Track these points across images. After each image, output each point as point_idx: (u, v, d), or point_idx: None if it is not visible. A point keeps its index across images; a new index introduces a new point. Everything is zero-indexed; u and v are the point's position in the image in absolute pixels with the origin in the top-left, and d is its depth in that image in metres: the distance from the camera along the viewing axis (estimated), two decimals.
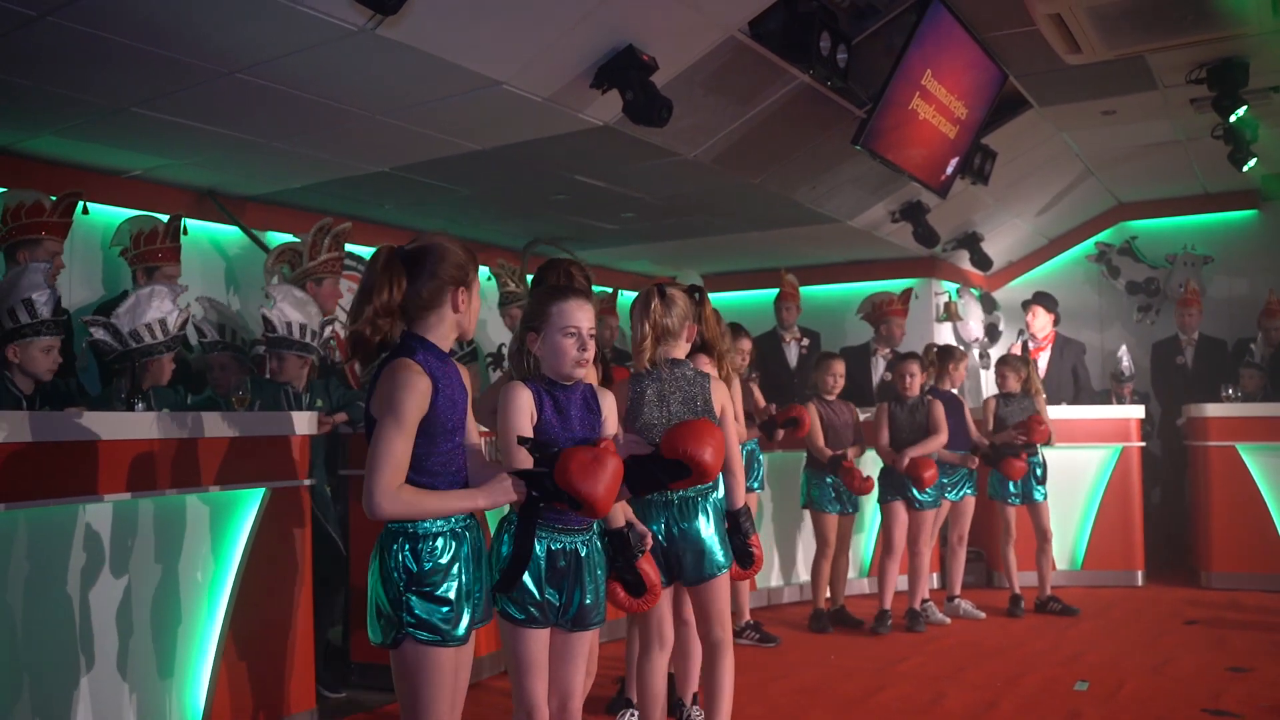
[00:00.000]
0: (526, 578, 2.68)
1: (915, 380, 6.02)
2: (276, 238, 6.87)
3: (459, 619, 2.42)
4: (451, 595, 2.41)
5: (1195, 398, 7.53)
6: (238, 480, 3.80)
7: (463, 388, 2.52)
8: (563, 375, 2.77)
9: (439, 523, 2.43)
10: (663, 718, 3.57)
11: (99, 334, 4.39)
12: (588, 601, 2.78)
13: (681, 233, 8.27)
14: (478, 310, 2.56)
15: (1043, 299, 8.44)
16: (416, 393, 2.35)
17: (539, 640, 2.73)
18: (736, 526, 3.53)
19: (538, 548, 2.71)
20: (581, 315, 2.75)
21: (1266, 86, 6.43)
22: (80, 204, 5.14)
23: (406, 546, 2.40)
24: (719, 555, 3.44)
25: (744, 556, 3.53)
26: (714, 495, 3.49)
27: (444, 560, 2.41)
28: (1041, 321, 8.34)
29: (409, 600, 2.38)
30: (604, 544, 2.97)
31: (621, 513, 3.03)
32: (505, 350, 6.99)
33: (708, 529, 3.43)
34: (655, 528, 3.42)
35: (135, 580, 3.46)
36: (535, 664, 2.73)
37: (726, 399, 3.57)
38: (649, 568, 3.07)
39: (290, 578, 3.99)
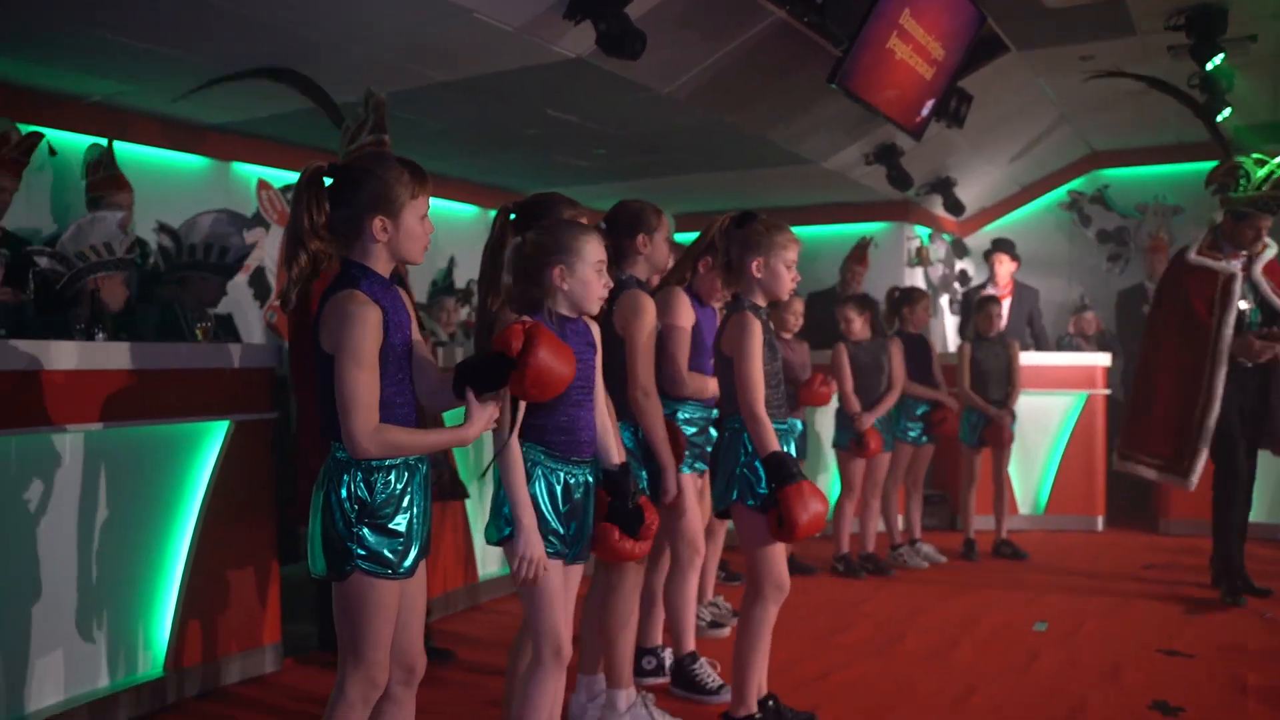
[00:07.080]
0: (546, 509, 2.64)
1: (852, 325, 5.85)
2: (240, 168, 6.74)
3: (408, 551, 2.40)
4: (403, 528, 2.38)
5: None
6: (201, 413, 3.74)
7: (407, 313, 2.45)
8: (588, 310, 2.72)
9: None
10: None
11: (44, 263, 4.24)
12: (586, 535, 2.75)
13: (654, 171, 8.19)
14: (418, 237, 2.39)
15: (1006, 245, 8.44)
16: (369, 325, 2.27)
17: (558, 571, 2.68)
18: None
19: (554, 481, 2.67)
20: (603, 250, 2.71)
21: (1244, 35, 6.40)
22: (46, 146, 5.03)
23: (360, 476, 2.34)
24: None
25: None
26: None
27: (397, 491, 2.38)
28: (1007, 268, 8.36)
29: (360, 532, 2.34)
30: (601, 485, 2.85)
31: (617, 451, 2.92)
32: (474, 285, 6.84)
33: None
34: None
35: (98, 514, 3.41)
36: (558, 595, 2.67)
37: None
38: (648, 508, 2.91)
39: (254, 511, 3.96)
